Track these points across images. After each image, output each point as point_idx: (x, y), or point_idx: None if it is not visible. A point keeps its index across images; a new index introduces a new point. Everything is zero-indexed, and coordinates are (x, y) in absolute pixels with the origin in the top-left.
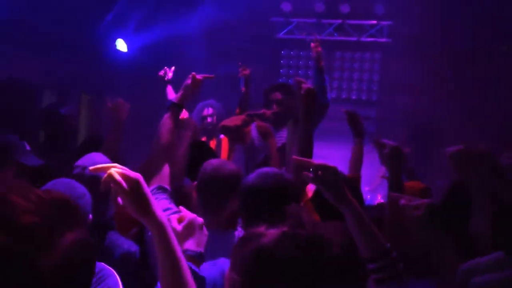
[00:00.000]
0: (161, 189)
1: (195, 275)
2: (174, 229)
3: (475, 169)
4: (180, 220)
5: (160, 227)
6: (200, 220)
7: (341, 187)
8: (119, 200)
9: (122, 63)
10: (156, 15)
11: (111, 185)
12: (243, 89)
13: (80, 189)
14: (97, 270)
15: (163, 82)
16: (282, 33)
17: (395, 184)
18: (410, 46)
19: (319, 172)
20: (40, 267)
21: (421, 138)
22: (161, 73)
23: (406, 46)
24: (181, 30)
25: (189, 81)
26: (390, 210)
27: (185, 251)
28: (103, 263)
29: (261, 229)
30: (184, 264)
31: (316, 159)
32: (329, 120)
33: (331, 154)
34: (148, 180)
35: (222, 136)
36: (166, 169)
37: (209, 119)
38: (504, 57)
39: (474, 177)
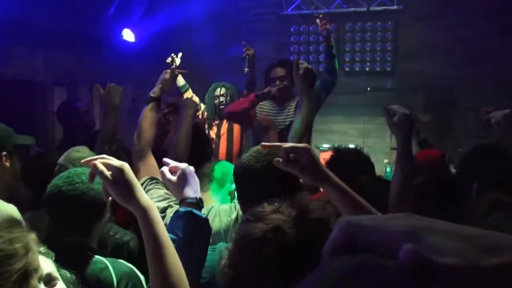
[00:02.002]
0: (154, 179)
1: (198, 218)
2: (170, 180)
3: None
4: (172, 172)
5: (143, 212)
6: (192, 168)
7: (316, 166)
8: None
9: (130, 53)
10: (161, 2)
11: (97, 175)
12: (246, 70)
13: None
14: None
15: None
16: (289, 9)
17: (403, 154)
18: (423, 11)
19: (291, 155)
20: None
21: (440, 106)
22: (169, 60)
23: (419, 12)
24: (188, 15)
25: (166, 75)
26: None
27: (185, 199)
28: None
29: (253, 221)
30: (171, 248)
31: (335, 134)
32: (346, 94)
33: (348, 128)
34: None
35: None
36: (152, 160)
37: (221, 99)
38: None
39: None
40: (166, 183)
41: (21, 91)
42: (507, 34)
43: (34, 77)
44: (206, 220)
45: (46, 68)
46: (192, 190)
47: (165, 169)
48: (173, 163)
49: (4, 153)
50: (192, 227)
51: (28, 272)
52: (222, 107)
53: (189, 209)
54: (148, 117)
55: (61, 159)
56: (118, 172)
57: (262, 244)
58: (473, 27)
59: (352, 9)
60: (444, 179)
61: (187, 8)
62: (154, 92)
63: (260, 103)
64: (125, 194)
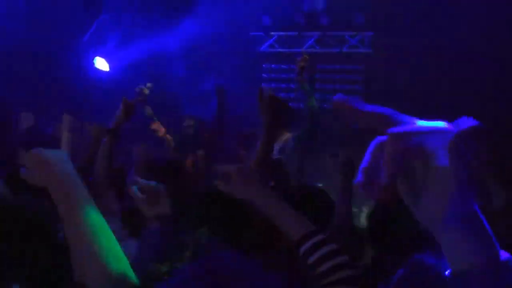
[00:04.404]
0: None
1: (170, 235)
2: (137, 198)
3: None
4: (142, 190)
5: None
6: (161, 186)
7: (249, 183)
8: None
9: (102, 81)
10: (136, 33)
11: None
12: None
13: None
14: None
15: (140, 100)
16: (263, 47)
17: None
18: (392, 55)
19: (228, 177)
20: None
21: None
22: (137, 90)
23: (388, 56)
24: (162, 47)
25: (121, 106)
26: None
27: (157, 216)
28: None
29: None
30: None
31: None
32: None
33: (318, 167)
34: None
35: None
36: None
37: (189, 131)
38: (492, 61)
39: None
40: (136, 201)
41: None
42: (480, 77)
43: (1, 101)
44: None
45: (15, 92)
46: (163, 208)
47: (134, 188)
48: (143, 182)
49: None
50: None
51: None
52: (189, 138)
53: (161, 226)
54: (104, 149)
55: None
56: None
57: None
58: (444, 70)
59: (324, 50)
60: None
61: (162, 40)
62: (111, 124)
63: None
64: None
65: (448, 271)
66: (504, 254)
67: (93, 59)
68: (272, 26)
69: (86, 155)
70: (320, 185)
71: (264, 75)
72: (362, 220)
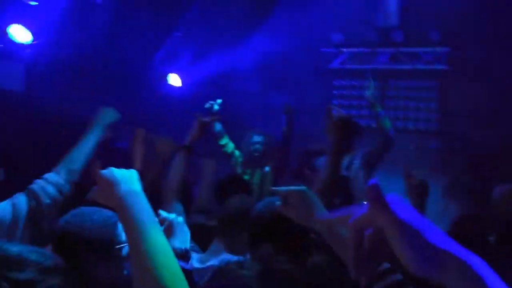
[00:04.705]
0: None
1: (182, 270)
2: None
3: None
4: (160, 222)
5: None
6: (180, 218)
7: (309, 208)
8: None
9: (175, 97)
10: (209, 49)
11: None
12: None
13: None
14: None
15: (213, 120)
16: (333, 63)
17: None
18: (470, 72)
19: (289, 199)
20: None
21: (484, 169)
22: (207, 106)
23: (466, 73)
24: (233, 64)
25: (196, 123)
26: None
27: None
28: None
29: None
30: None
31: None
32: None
33: (388, 186)
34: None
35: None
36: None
37: (257, 146)
38: None
39: None
40: None
41: (60, 131)
42: None
43: (78, 118)
44: (189, 272)
45: (91, 109)
46: (178, 241)
47: None
48: (163, 214)
49: None
50: None
51: None
52: (256, 154)
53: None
54: (177, 165)
55: None
56: None
57: None
58: None
59: (397, 66)
60: None
61: (232, 56)
62: (186, 140)
63: None
64: None
65: None
66: None
67: (166, 76)
68: (343, 42)
69: (157, 169)
70: None
71: (334, 91)
72: None
